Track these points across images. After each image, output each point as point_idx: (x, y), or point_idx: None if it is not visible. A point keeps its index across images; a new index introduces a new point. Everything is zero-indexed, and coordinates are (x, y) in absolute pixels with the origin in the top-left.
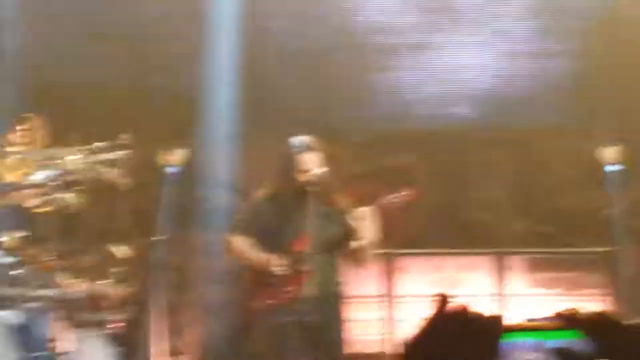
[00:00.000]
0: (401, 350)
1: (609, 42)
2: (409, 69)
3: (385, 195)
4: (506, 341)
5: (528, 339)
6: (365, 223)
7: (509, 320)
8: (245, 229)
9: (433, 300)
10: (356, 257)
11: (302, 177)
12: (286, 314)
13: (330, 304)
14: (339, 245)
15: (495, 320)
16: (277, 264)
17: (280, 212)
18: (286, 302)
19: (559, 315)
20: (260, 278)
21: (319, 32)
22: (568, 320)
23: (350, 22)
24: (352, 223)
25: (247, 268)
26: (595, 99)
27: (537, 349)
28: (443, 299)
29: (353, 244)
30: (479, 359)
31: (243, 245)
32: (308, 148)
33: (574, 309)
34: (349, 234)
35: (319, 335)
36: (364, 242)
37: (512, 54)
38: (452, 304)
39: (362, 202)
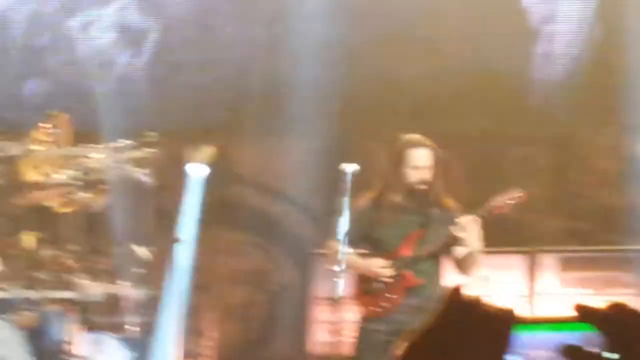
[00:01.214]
0: (408, 341)
1: None
2: (442, 62)
3: (496, 197)
4: (518, 334)
5: (541, 332)
6: (473, 228)
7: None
8: (350, 234)
9: (446, 292)
10: (462, 265)
11: (412, 175)
12: (388, 323)
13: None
14: (446, 251)
15: (508, 313)
16: (382, 270)
17: (386, 214)
18: (390, 311)
19: (576, 308)
20: (364, 285)
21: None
22: (583, 314)
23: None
24: (460, 228)
25: (353, 275)
26: (633, 92)
27: (549, 343)
28: (456, 291)
29: (459, 250)
30: (488, 352)
31: (348, 253)
32: (419, 144)
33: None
34: (456, 239)
35: None
36: (471, 248)
37: (551, 45)
38: (465, 296)
39: (469, 205)
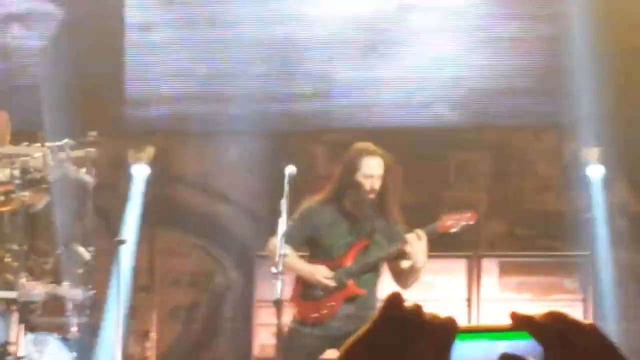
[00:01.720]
0: (341, 351)
1: (591, 40)
2: (387, 66)
3: (447, 217)
4: (458, 343)
5: (481, 341)
6: (419, 244)
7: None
8: (293, 236)
9: (385, 299)
10: (402, 278)
11: (364, 183)
12: (322, 329)
13: (365, 320)
14: (388, 262)
15: (449, 321)
16: (324, 277)
17: (333, 219)
18: (327, 317)
19: (512, 316)
20: (304, 290)
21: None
22: (518, 321)
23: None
24: (406, 242)
25: (293, 278)
26: (577, 98)
27: (488, 351)
28: (394, 298)
29: (402, 264)
30: None
31: (290, 254)
32: (373, 153)
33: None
34: (401, 252)
35: None
36: (414, 263)
37: (493, 52)
38: (406, 304)
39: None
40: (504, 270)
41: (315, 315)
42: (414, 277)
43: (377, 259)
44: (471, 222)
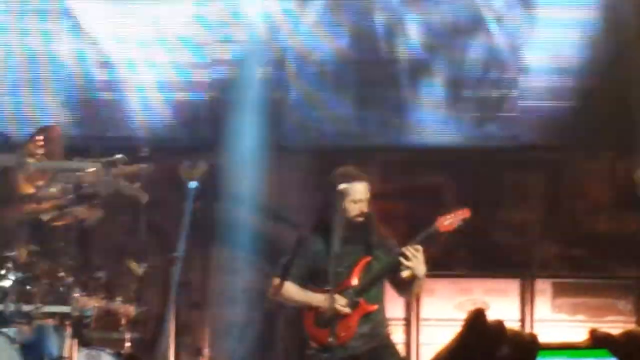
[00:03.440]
0: None
1: None
2: (440, 86)
3: (442, 216)
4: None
5: (561, 358)
6: (417, 255)
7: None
8: (294, 270)
9: (468, 315)
10: (407, 290)
11: (352, 208)
12: (340, 351)
13: (382, 338)
14: (391, 276)
15: (531, 338)
16: (334, 302)
17: (330, 247)
18: (346, 339)
19: (592, 334)
20: (317, 317)
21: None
22: (600, 340)
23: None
24: (403, 254)
25: (303, 309)
26: (632, 119)
27: None
28: (479, 314)
29: (403, 275)
30: None
31: (293, 288)
32: (358, 178)
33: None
34: (398, 265)
35: None
36: (416, 274)
37: (546, 72)
38: (488, 320)
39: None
40: (557, 291)
41: (331, 339)
42: (418, 288)
43: (383, 270)
44: (467, 217)
